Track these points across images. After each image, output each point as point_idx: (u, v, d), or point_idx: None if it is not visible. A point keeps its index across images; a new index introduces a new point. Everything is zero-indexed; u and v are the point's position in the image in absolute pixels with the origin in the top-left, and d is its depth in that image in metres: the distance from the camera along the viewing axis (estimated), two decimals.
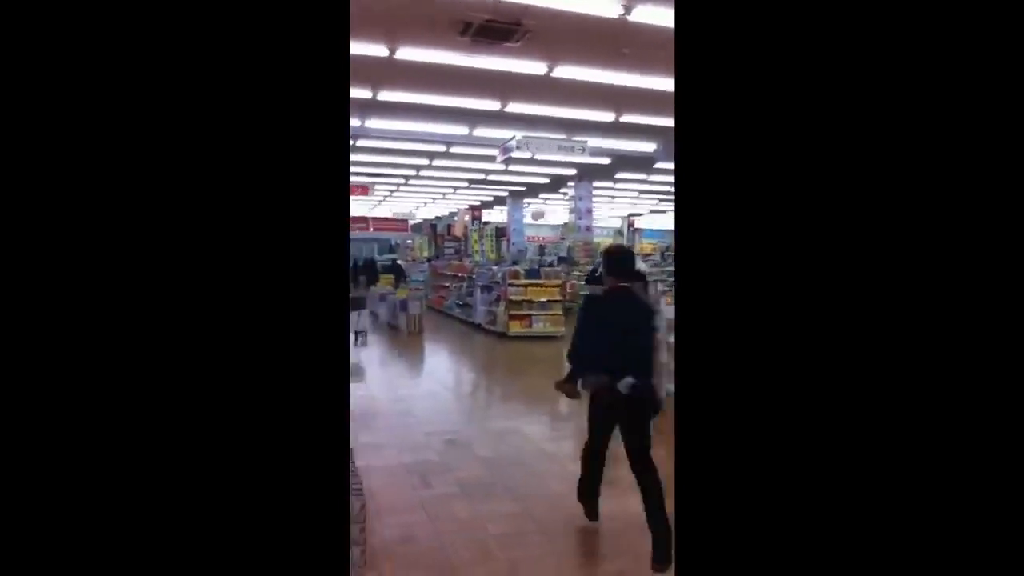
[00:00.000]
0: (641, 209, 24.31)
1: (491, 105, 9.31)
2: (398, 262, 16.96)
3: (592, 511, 3.27)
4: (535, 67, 7.46)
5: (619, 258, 3.09)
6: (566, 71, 7.61)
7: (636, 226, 24.39)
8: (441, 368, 8.60)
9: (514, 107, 9.38)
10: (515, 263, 12.14)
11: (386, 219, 21.77)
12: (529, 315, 10.21)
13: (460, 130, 10.71)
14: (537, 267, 11.03)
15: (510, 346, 9.81)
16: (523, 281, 10.37)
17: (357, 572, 2.60)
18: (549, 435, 5.04)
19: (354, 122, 10.04)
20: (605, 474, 3.26)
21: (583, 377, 3.07)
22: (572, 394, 3.22)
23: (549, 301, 10.34)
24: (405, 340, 10.41)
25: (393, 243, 23.09)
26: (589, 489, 3.24)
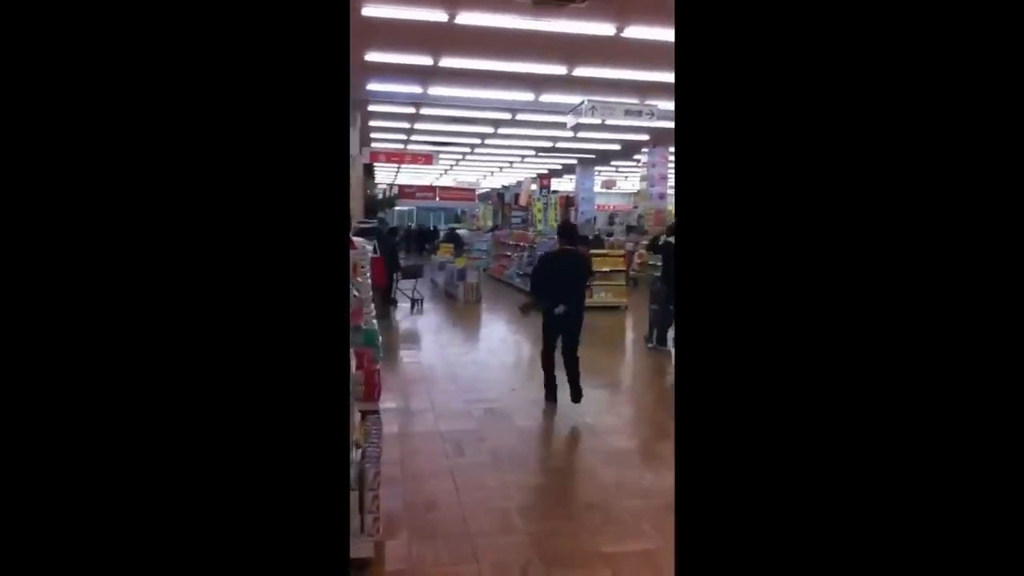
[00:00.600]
0: None
1: (557, 70, 9.01)
2: (457, 231, 17.03)
3: (551, 398, 4.92)
4: (603, 28, 7.10)
5: (566, 229, 5.31)
6: (636, 31, 7.20)
7: None
8: (493, 337, 8.57)
9: (581, 71, 9.04)
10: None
11: (452, 188, 21.90)
12: (591, 285, 10.00)
13: (526, 96, 10.47)
14: (595, 236, 10.72)
15: None
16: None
17: (370, 540, 2.61)
18: (592, 408, 4.91)
19: (415, 89, 10.04)
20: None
21: (537, 302, 4.95)
22: (526, 311, 5.17)
23: (612, 271, 10.08)
24: (461, 309, 10.47)
25: (459, 212, 23.22)
26: (549, 382, 4.96)
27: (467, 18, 6.76)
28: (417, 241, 15.34)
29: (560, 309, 4.70)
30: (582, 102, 9.61)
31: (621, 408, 5.16)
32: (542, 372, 4.95)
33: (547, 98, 10.42)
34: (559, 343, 4.82)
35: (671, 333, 7.51)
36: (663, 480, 3.45)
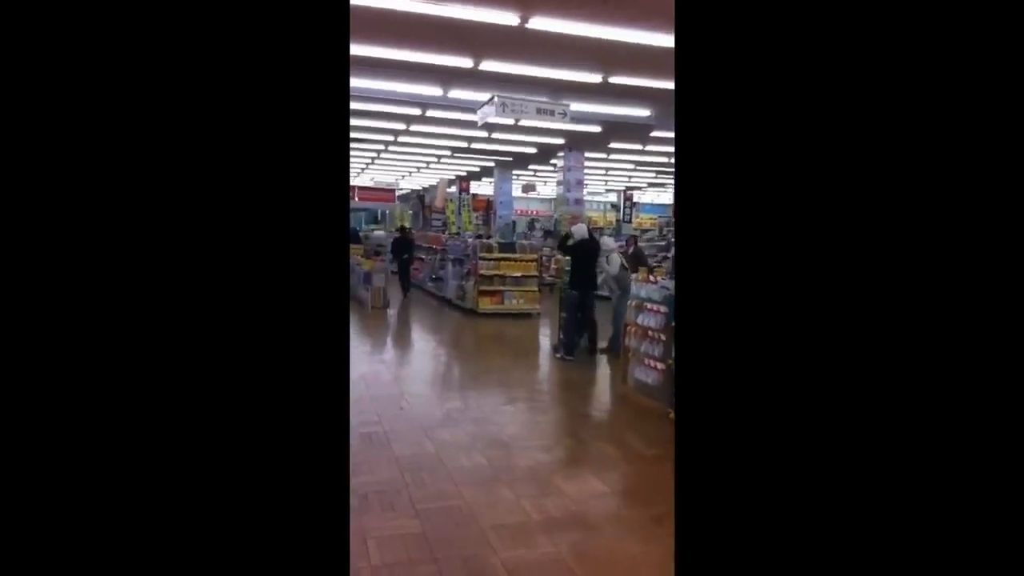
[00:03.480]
0: (638, 182, 23.50)
1: (463, 62, 8.54)
2: (360, 232, 16.33)
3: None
4: (506, 17, 6.69)
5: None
6: (541, 23, 6.83)
7: (635, 200, 23.58)
8: (391, 348, 7.94)
9: (488, 65, 8.61)
10: (491, 236, 11.45)
11: (372, 189, 21.01)
12: (501, 291, 9.57)
13: (434, 91, 9.94)
14: (513, 240, 10.32)
15: (479, 324, 9.20)
16: (496, 255, 9.73)
17: None
18: (477, 432, 4.42)
19: None
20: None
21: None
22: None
23: (524, 276, 9.69)
24: (366, 315, 9.77)
25: (379, 213, 22.40)
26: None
27: None
28: None
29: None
30: (492, 97, 9.17)
31: (513, 440, 4.69)
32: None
33: (456, 94, 9.94)
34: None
35: (584, 341, 7.17)
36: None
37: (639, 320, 5.34)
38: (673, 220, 11.91)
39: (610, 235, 10.94)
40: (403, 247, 11.86)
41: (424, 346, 8.15)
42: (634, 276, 5.79)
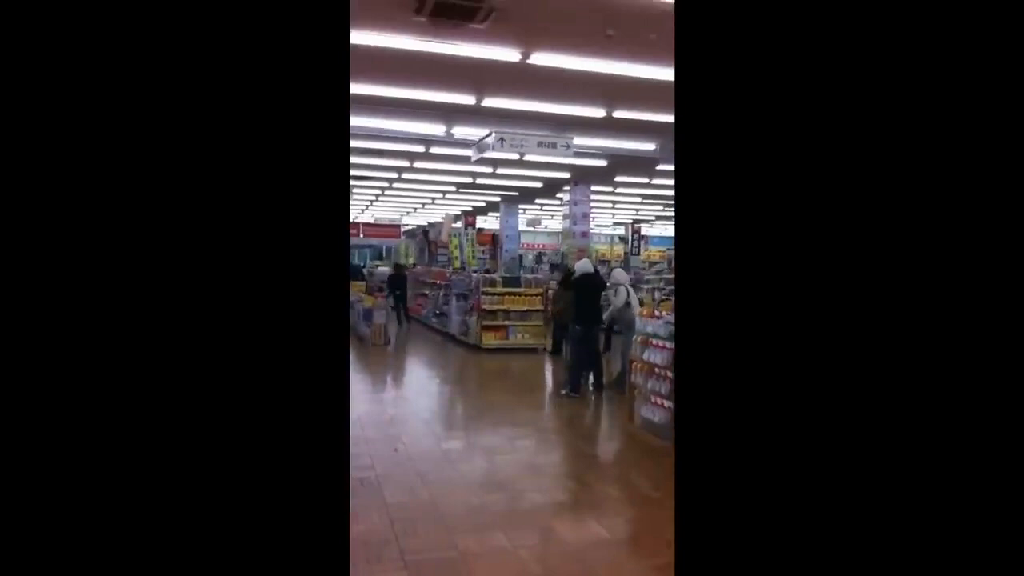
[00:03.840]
0: (646, 215, 23.52)
1: (466, 99, 8.59)
2: (363, 268, 16.41)
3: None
4: (508, 54, 6.72)
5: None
6: (543, 58, 6.86)
7: (642, 233, 23.58)
8: (390, 386, 7.77)
9: (491, 102, 8.65)
10: (489, 271, 11.36)
11: (377, 225, 21.10)
12: (505, 326, 9.42)
13: (437, 129, 10.00)
14: (518, 275, 10.22)
15: (483, 360, 9.04)
16: (499, 289, 9.61)
17: None
18: (474, 475, 4.23)
19: None
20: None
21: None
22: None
23: (529, 311, 9.54)
24: (366, 352, 9.62)
25: (384, 250, 22.45)
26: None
27: (361, 38, 6.20)
28: None
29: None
30: (489, 133, 9.20)
31: (511, 486, 4.50)
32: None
33: (459, 131, 9.99)
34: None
35: (585, 377, 6.99)
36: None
37: (645, 356, 5.17)
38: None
39: (619, 266, 10.80)
40: (398, 283, 12.85)
41: (425, 384, 7.99)
42: (640, 310, 5.64)
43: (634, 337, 5.51)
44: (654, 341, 5.06)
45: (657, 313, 5.20)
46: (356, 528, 3.30)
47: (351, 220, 19.93)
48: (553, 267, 14.45)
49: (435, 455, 4.68)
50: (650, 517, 3.68)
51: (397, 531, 3.29)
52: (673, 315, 5.01)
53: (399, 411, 6.20)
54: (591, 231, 15.08)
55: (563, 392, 6.78)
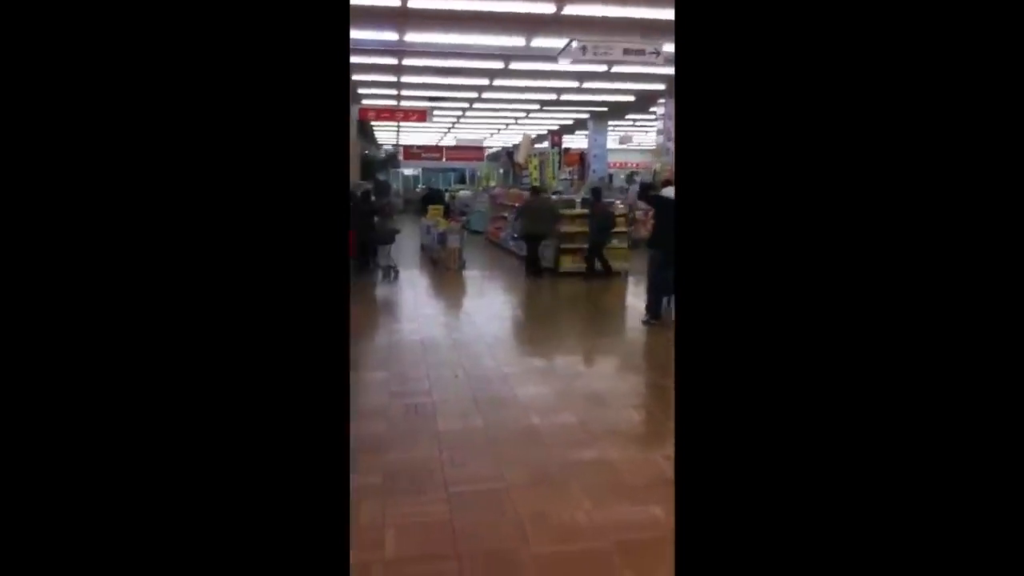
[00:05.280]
0: None
1: (545, 7, 7.99)
2: (441, 189, 16.06)
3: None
4: None
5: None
6: None
7: None
8: (459, 312, 7.71)
9: (572, 8, 8.00)
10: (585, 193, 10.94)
11: (459, 147, 20.84)
12: (584, 248, 9.10)
13: (516, 41, 9.46)
14: (590, 196, 9.74)
15: (558, 285, 8.85)
16: (577, 211, 9.23)
17: None
18: (538, 404, 4.14)
19: (391, 36, 9.11)
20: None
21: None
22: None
23: (611, 233, 9.13)
24: (440, 277, 9.66)
25: (467, 173, 22.26)
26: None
27: None
28: (425, 204, 14.61)
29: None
30: (570, 41, 8.56)
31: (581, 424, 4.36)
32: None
33: (539, 43, 9.40)
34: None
35: (667, 302, 6.67)
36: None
37: None
38: None
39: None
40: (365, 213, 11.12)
41: (496, 308, 7.93)
42: None
43: None
44: None
45: None
46: (402, 456, 3.33)
47: (435, 144, 19.64)
48: (644, 187, 13.75)
49: (495, 381, 4.64)
50: None
51: (440, 463, 3.28)
52: None
53: (463, 335, 6.21)
54: None
55: (643, 320, 6.54)
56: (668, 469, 3.21)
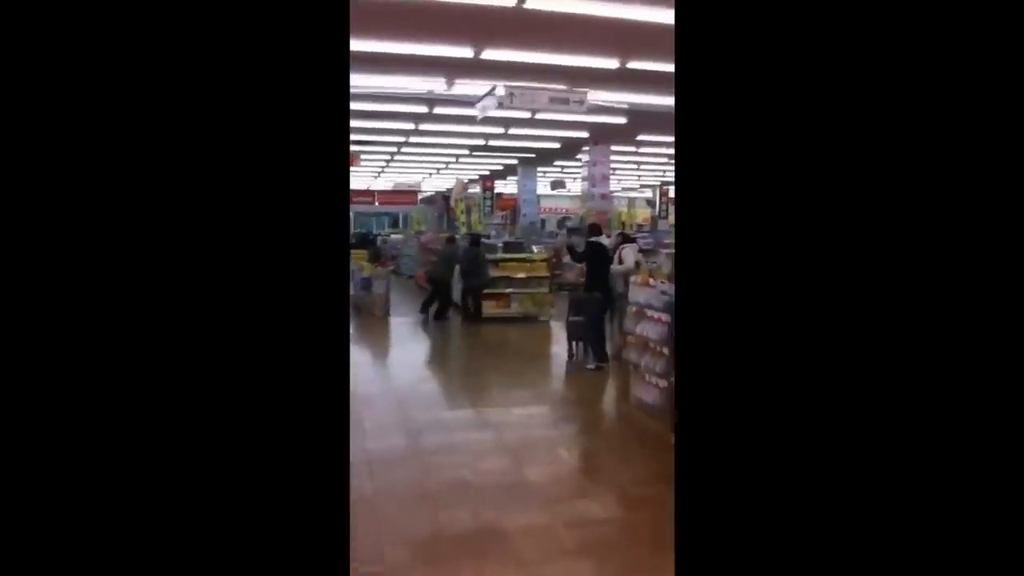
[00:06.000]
0: (673, 176, 22.52)
1: (463, 52, 7.97)
2: (372, 235, 15.86)
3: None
4: None
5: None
6: (540, 1, 6.20)
7: (671, 196, 22.63)
8: (373, 364, 7.26)
9: (490, 54, 8.01)
10: (512, 237, 10.84)
11: (392, 191, 20.63)
12: (507, 294, 8.94)
13: (437, 84, 9.42)
14: (522, 240, 9.65)
15: (481, 330, 8.59)
16: (500, 255, 9.11)
17: None
18: (431, 470, 3.81)
19: None
20: None
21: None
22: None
23: (532, 278, 9.02)
24: (363, 323, 9.25)
25: (400, 217, 22.02)
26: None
27: None
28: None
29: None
30: (493, 88, 8.58)
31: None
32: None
33: (462, 88, 9.39)
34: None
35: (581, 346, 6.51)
36: None
37: (638, 330, 4.64)
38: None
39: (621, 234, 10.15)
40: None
41: (414, 357, 7.52)
42: (633, 278, 5.08)
43: (628, 307, 4.98)
44: (649, 313, 4.52)
45: (651, 281, 4.64)
46: None
47: (367, 188, 19.40)
48: (571, 231, 13.86)
49: (399, 443, 4.28)
50: (631, 522, 3.22)
51: None
52: (666, 284, 4.44)
53: (374, 388, 5.80)
54: (615, 194, 14.34)
55: (589, 366, 6.31)
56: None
